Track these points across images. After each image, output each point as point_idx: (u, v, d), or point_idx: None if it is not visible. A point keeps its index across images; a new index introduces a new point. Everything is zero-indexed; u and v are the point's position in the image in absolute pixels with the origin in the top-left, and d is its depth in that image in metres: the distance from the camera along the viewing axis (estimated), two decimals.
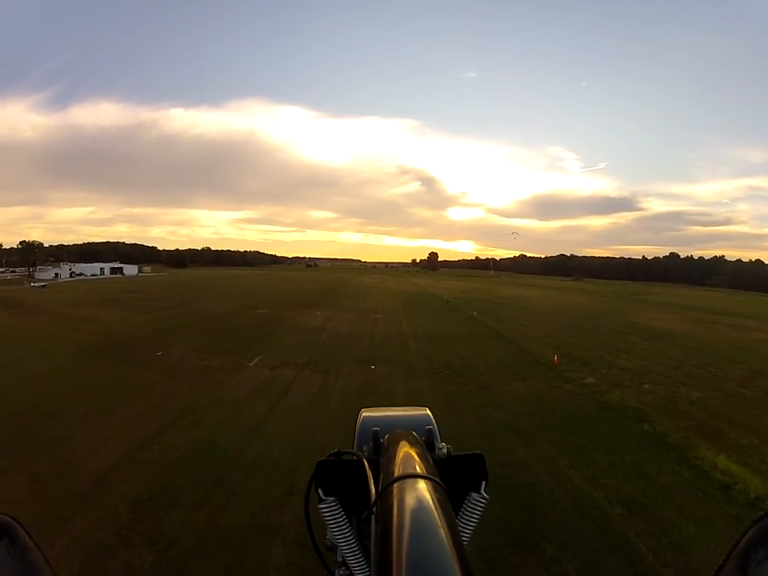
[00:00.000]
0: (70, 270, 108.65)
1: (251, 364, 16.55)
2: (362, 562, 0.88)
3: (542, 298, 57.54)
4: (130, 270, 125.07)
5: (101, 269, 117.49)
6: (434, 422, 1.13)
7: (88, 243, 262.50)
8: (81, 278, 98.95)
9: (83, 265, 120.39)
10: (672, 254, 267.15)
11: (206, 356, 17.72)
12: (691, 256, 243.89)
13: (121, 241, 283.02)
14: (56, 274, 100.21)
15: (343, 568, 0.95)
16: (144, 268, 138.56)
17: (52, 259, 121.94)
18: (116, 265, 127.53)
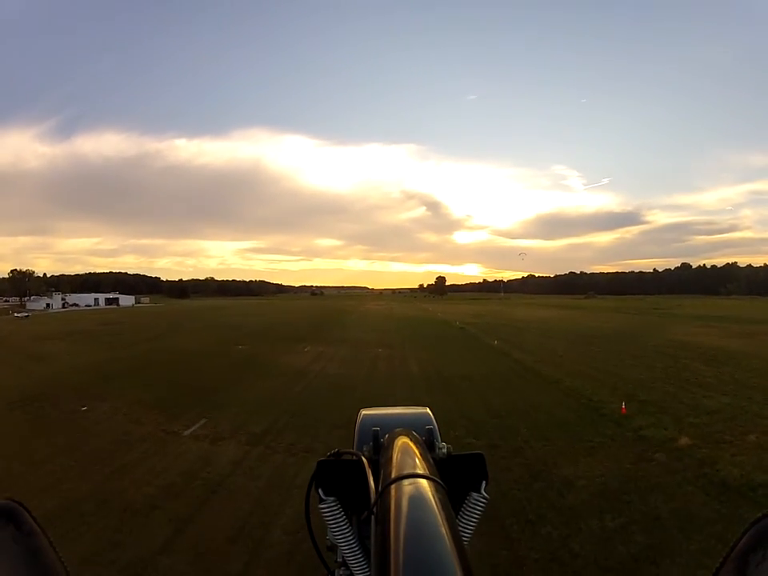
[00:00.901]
0: (63, 300, 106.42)
1: (187, 433, 11.60)
2: (362, 562, 0.86)
3: (563, 318, 52.25)
4: (127, 300, 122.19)
5: (95, 299, 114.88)
6: (434, 421, 1.12)
7: (89, 273, 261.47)
8: (73, 308, 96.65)
9: (78, 295, 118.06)
10: (684, 264, 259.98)
11: (137, 416, 13.29)
12: (704, 265, 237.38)
13: (123, 271, 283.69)
14: (47, 304, 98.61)
15: (343, 568, 0.94)
16: (142, 299, 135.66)
17: (52, 289, 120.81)
18: (112, 295, 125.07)
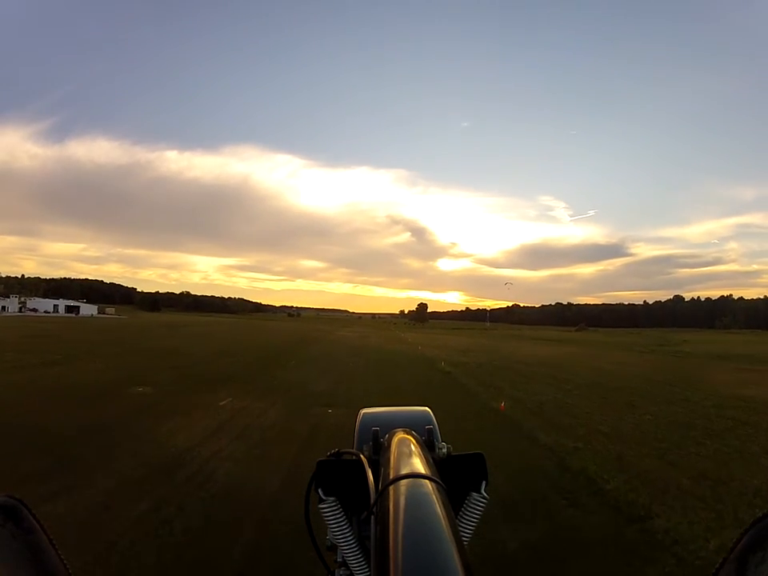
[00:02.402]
0: (21, 304, 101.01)
1: None
2: (362, 562, 0.86)
3: (567, 357, 44.85)
4: (88, 309, 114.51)
5: (54, 306, 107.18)
6: (434, 421, 1.13)
7: (64, 278, 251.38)
8: (29, 314, 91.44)
9: (38, 300, 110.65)
10: (676, 297, 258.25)
11: None
12: (698, 297, 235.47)
13: (100, 279, 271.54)
14: (3, 307, 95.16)
15: (343, 568, 0.94)
16: (107, 309, 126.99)
17: (16, 295, 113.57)
18: (73, 303, 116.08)
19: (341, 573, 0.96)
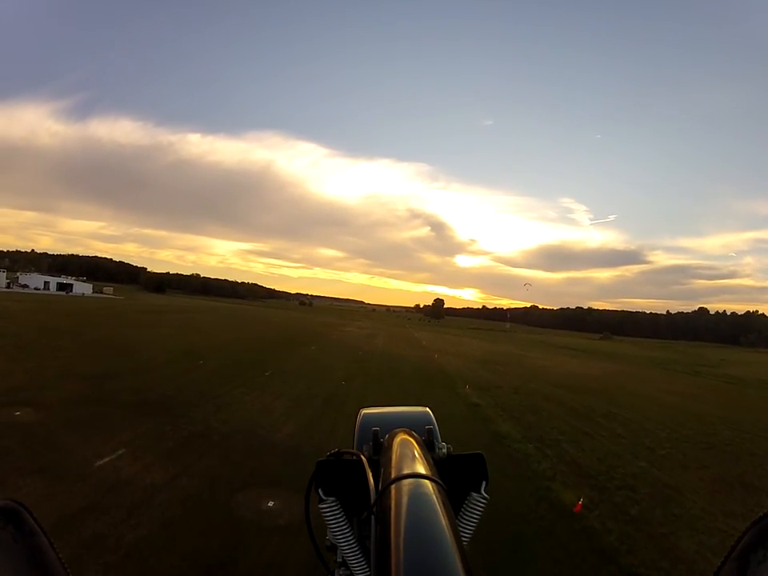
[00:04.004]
0: (9, 279, 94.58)
1: None
2: (362, 562, 0.86)
3: (612, 379, 37.00)
4: (82, 288, 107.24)
5: (45, 282, 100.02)
6: (434, 421, 1.11)
7: (72, 255, 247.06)
8: (17, 289, 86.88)
9: (30, 276, 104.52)
10: (701, 308, 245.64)
11: None
12: (724, 311, 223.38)
13: (108, 257, 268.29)
14: None
15: (343, 568, 0.93)
16: (104, 288, 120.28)
17: (23, 269, 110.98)
18: (65, 281, 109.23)
19: (341, 573, 0.95)
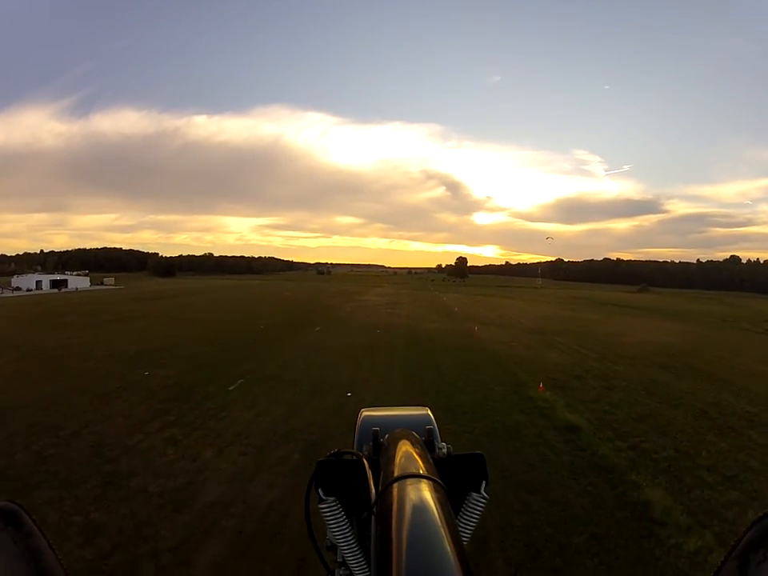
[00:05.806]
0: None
1: None
2: (362, 562, 0.86)
3: (695, 346, 28.35)
4: (77, 282, 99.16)
5: (37, 282, 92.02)
6: (434, 421, 1.11)
7: (78, 249, 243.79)
8: (7, 293, 77.14)
9: (22, 277, 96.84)
10: (733, 257, 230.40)
11: None
12: (758, 259, 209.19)
13: (118, 247, 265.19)
14: None
15: (343, 568, 0.93)
16: (105, 279, 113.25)
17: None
18: (59, 277, 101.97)
19: (341, 573, 0.94)
